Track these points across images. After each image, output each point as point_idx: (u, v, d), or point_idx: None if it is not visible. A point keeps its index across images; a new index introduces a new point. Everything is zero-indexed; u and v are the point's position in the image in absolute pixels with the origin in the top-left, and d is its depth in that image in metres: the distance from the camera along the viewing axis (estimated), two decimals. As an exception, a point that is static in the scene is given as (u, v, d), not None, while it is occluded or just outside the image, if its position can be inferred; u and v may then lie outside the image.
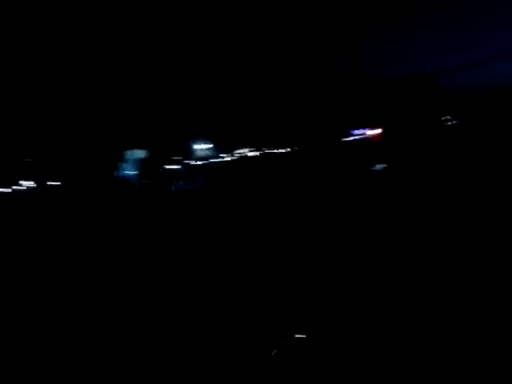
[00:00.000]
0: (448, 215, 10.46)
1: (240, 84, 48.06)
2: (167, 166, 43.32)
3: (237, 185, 25.43)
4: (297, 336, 5.06)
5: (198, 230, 13.83)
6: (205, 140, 46.49)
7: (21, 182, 31.24)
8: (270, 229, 12.09)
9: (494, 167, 16.84)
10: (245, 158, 44.74)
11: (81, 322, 6.77)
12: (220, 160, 44.87)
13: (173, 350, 5.31)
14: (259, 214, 15.04)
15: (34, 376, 5.48)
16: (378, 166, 22.30)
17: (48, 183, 33.18)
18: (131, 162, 36.62)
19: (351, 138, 46.33)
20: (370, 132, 42.95)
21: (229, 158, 46.34)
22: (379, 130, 40.97)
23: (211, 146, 46.37)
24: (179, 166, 42.49)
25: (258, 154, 46.48)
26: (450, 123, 32.89)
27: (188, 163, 45.28)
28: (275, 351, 4.86)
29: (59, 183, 33.23)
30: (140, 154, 37.66)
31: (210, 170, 40.83)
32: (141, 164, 36.86)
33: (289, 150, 45.41)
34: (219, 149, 47.92)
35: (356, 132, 47.09)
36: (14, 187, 30.67)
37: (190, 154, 47.25)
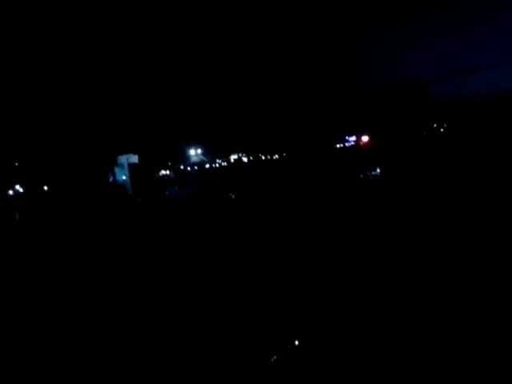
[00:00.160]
0: (440, 214, 10.78)
1: (234, 90, 48.45)
2: (162, 172, 43.47)
3: (231, 190, 25.57)
4: (296, 342, 5.14)
5: (190, 234, 14.00)
6: (199, 146, 46.68)
7: (16, 186, 31.34)
8: (267, 231, 12.26)
9: (483, 170, 17.24)
10: (239, 163, 44.95)
11: (77, 322, 6.92)
12: (214, 165, 45.08)
13: (173, 353, 5.47)
14: (254, 217, 15.24)
15: (34, 376, 5.65)
16: (375, 171, 22.66)
17: (42, 188, 33.29)
18: (125, 168, 36.72)
19: (345, 144, 46.84)
20: (362, 138, 43.46)
21: (223, 164, 46.56)
22: (368, 136, 41.45)
23: (205, 151, 46.58)
24: (173, 172, 42.64)
25: (251, 159, 46.76)
26: (440, 130, 33.47)
27: (182, 169, 45.43)
28: (275, 357, 4.90)
29: (54, 188, 33.32)
30: (134, 159, 37.77)
31: (204, 175, 40.99)
32: (135, 169, 36.96)
33: (283, 155, 45.77)
34: (213, 154, 48.14)
35: (349, 138, 47.61)
36: (10, 192, 30.77)
37: (184, 160, 47.42)
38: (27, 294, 9.54)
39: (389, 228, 10.20)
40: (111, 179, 36.39)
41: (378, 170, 22.44)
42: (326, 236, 10.45)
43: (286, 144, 45.84)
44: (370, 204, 14.17)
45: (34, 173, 32.69)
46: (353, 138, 45.32)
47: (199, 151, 46.29)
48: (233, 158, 46.47)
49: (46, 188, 32.69)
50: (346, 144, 45.79)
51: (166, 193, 37.51)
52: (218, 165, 44.84)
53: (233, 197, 21.22)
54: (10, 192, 30.01)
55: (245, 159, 46.20)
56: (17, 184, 30.33)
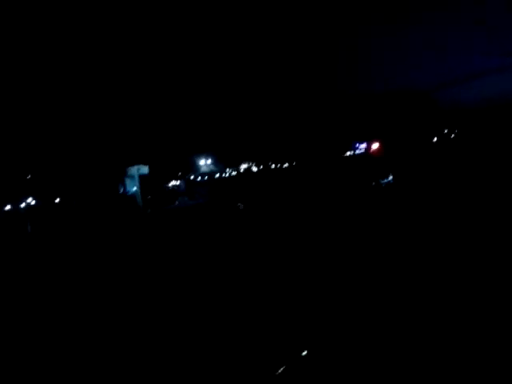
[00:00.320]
0: (448, 221, 10.67)
1: (243, 99, 48.61)
2: (172, 182, 43.76)
3: (240, 200, 25.63)
4: (303, 354, 5.10)
5: (200, 244, 14.04)
6: (209, 155, 46.91)
7: (28, 199, 31.76)
8: (277, 241, 12.22)
9: (489, 176, 17.05)
10: (248, 172, 45.05)
11: (86, 332, 6.97)
12: (224, 175, 45.24)
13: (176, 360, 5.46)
14: (262, 227, 15.22)
15: (34, 376, 5.68)
16: (387, 178, 22.50)
17: (54, 200, 33.70)
18: (136, 179, 37.01)
19: (355, 151, 46.66)
20: (373, 145, 43.24)
21: (233, 173, 46.70)
22: (379, 143, 41.22)
23: (215, 161, 46.77)
24: (183, 182, 42.87)
25: (261, 168, 46.82)
26: (451, 136, 33.21)
27: (192, 179, 45.69)
28: (282, 369, 4.88)
29: (65, 200, 33.71)
30: (144, 170, 38.06)
31: (214, 185, 41.11)
32: (145, 180, 37.24)
33: (293, 163, 45.73)
34: (223, 164, 48.31)
35: (359, 145, 47.41)
36: (22, 204, 31.20)
37: (195, 170, 47.69)
38: (38, 301, 9.65)
39: (402, 237, 10.11)
40: (122, 190, 36.71)
41: (391, 178, 22.24)
42: (337, 245, 10.39)
43: (296, 152, 45.80)
44: (384, 212, 14.09)
45: (46, 185, 33.06)
46: (363, 145, 45.14)
47: (209, 161, 46.52)
48: (243, 167, 46.60)
49: (57, 200, 33.07)
50: (357, 151, 45.64)
51: (176, 203, 37.69)
52: (227, 174, 45.01)
53: (241, 207, 21.21)
54: (23, 204, 30.41)
55: (254, 168, 46.30)
56: (29, 196, 30.72)
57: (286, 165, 46.64)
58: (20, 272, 14.18)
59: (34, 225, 27.71)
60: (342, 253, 9.56)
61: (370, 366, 4.77)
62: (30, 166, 32.28)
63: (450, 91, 33.36)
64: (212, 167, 46.97)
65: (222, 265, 10.44)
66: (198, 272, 10.18)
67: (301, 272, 8.74)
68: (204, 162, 47.56)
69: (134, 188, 37.66)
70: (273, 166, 46.51)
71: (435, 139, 33.57)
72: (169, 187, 41.50)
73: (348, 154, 45.85)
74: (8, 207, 28.86)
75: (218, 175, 44.38)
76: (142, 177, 37.05)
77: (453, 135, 33.47)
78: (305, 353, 5.22)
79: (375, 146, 42.63)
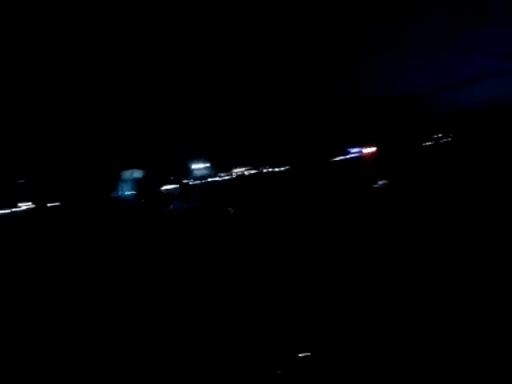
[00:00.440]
0: (443, 231, 10.78)
1: (237, 102, 48.80)
2: (166, 186, 43.74)
3: (231, 204, 25.74)
4: (301, 355, 5.17)
5: (194, 249, 14.11)
6: (203, 160, 46.90)
7: (19, 203, 31.71)
8: (270, 248, 12.31)
9: (486, 183, 17.18)
10: (242, 176, 45.11)
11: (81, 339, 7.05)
12: (218, 179, 45.26)
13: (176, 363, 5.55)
14: (258, 233, 15.30)
15: (34, 376, 5.76)
16: (379, 183, 22.54)
17: (46, 204, 33.63)
18: (129, 183, 37.04)
19: (348, 156, 46.77)
20: (365, 150, 43.34)
21: (227, 177, 46.72)
22: (373, 149, 41.35)
23: (209, 165, 46.77)
24: (177, 186, 42.86)
25: (255, 172, 46.86)
26: (441, 141, 33.37)
27: (186, 182, 45.66)
28: (279, 371, 4.94)
29: (57, 204, 33.66)
30: (138, 174, 38.09)
31: (207, 189, 41.16)
32: (139, 184, 37.26)
33: (287, 167, 45.80)
34: (217, 168, 48.34)
35: (352, 150, 47.55)
36: (13, 209, 31.14)
37: (189, 174, 47.67)
38: (32, 301, 9.72)
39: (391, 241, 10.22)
40: (115, 194, 36.69)
41: (380, 182, 22.34)
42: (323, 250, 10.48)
43: (289, 157, 45.90)
44: (375, 217, 14.19)
45: (39, 189, 33.03)
46: (355, 150, 45.24)
47: (203, 165, 46.52)
48: (236, 171, 46.64)
49: (49, 204, 33.05)
50: (349, 156, 45.73)
51: (171, 206, 37.70)
52: (221, 178, 45.04)
53: (231, 211, 21.29)
54: (15, 209, 30.37)
55: (247, 173, 46.35)
56: (22, 200, 30.69)
57: (281, 169, 46.74)
58: (12, 274, 14.24)
59: (27, 228, 27.73)
60: (331, 255, 9.68)
61: (371, 366, 4.86)
62: (21, 170, 32.26)
63: (448, 94, 33.58)
64: (206, 171, 46.99)
65: (212, 267, 10.55)
66: (191, 274, 10.29)
67: (297, 278, 8.85)
68: (198, 166, 47.57)
69: (128, 192, 37.65)
70: (268, 170, 46.58)
71: (431, 143, 33.74)
72: (163, 191, 41.47)
73: (341, 158, 45.99)
74: (1, 212, 28.82)
75: (212, 179, 44.40)
76: (135, 180, 37.06)
77: (449, 139, 33.65)
78: (304, 354, 5.29)
79: (368, 150, 42.75)
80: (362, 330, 5.82)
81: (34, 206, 30.83)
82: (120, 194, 36.70)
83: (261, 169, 44.71)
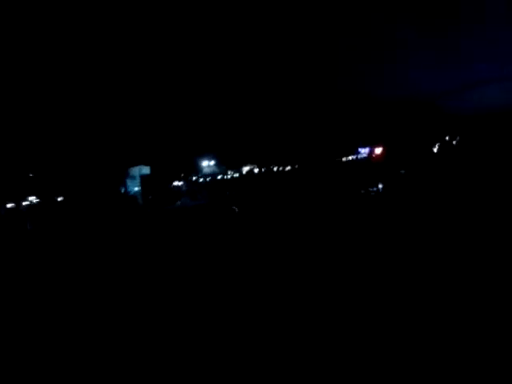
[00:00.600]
0: (445, 232, 10.70)
1: (247, 101, 48.77)
2: (174, 183, 44.02)
3: (237, 202, 25.72)
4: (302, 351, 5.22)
5: (199, 244, 14.16)
6: (211, 157, 47.13)
7: (30, 197, 32.12)
8: (273, 244, 12.31)
9: (493, 184, 16.98)
10: (250, 174, 45.19)
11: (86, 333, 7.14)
12: (226, 177, 45.44)
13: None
14: (251, 231, 15.33)
15: (34, 376, 5.82)
16: (377, 186, 22.32)
17: (55, 198, 34.03)
18: (137, 179, 37.31)
19: (357, 156, 46.64)
20: (375, 150, 43.23)
21: (235, 175, 46.89)
22: (381, 149, 41.20)
23: (217, 162, 46.97)
24: (185, 183, 43.12)
25: (263, 170, 46.97)
26: (450, 143, 33.12)
27: (194, 180, 45.92)
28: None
29: (66, 198, 34.03)
30: (146, 170, 38.36)
31: (215, 186, 41.26)
32: (146, 180, 37.50)
33: (295, 167, 45.81)
34: (225, 165, 48.52)
35: (362, 150, 47.40)
36: (24, 203, 31.55)
37: (197, 171, 47.93)
38: (34, 297, 9.81)
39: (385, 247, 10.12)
40: (123, 190, 37.00)
41: (381, 186, 22.07)
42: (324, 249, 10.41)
43: (298, 155, 45.89)
44: (375, 217, 14.09)
45: (48, 184, 33.40)
46: (365, 150, 45.12)
47: (212, 162, 46.75)
48: (245, 169, 46.77)
49: (59, 199, 33.40)
50: (359, 156, 45.62)
51: (178, 203, 37.88)
52: (229, 176, 45.19)
53: (236, 210, 21.30)
54: (24, 203, 30.75)
55: (256, 170, 46.44)
56: (31, 195, 31.07)
57: (289, 168, 46.74)
58: (17, 270, 14.39)
59: (34, 223, 27.99)
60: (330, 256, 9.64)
61: (372, 366, 4.85)
62: (32, 165, 32.66)
63: (455, 98, 33.33)
64: (214, 169, 47.18)
65: (215, 266, 10.58)
66: (195, 272, 10.34)
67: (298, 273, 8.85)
68: (206, 164, 47.80)
69: (136, 188, 37.95)
70: (275, 169, 46.61)
71: (438, 145, 33.51)
72: (171, 188, 41.73)
73: (350, 158, 45.91)
74: (10, 205, 29.20)
75: (219, 177, 44.58)
76: (143, 177, 37.33)
77: (455, 142, 33.40)
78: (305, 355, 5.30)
79: (378, 151, 42.63)
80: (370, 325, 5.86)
81: (42, 200, 31.18)
82: (128, 190, 37.00)
83: (269, 167, 44.71)
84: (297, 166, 46.97)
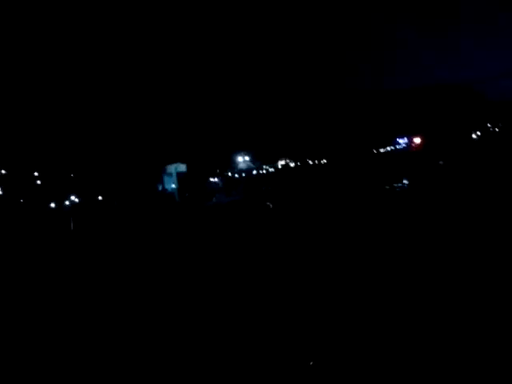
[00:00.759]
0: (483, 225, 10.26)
1: (282, 96, 48.56)
2: (210, 179, 44.34)
3: (271, 198, 25.60)
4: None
5: (236, 240, 14.22)
6: (246, 152, 47.12)
7: (72, 197, 33.19)
8: (308, 241, 12.19)
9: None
10: (286, 169, 44.89)
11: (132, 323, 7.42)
12: (261, 171, 45.32)
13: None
14: (282, 229, 15.19)
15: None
16: (403, 182, 21.47)
17: (97, 198, 35.05)
18: (174, 176, 37.87)
19: (395, 147, 45.48)
20: (414, 140, 42.03)
21: (270, 170, 46.68)
22: (420, 139, 39.97)
23: (253, 158, 46.91)
24: (221, 179, 43.35)
25: (299, 164, 46.52)
26: (491, 130, 31.50)
27: (230, 175, 46.05)
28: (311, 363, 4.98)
29: (107, 198, 34.99)
30: (182, 168, 38.85)
31: (250, 182, 41.31)
32: (183, 178, 38.00)
33: (331, 160, 45.10)
34: (261, 160, 48.37)
35: (400, 140, 46.13)
36: (66, 202, 32.64)
37: (232, 167, 48.05)
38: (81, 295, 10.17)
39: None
40: (160, 188, 37.65)
41: (406, 182, 21.25)
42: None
43: (335, 148, 45.20)
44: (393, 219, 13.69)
45: (89, 184, 34.39)
46: (404, 141, 43.85)
47: (247, 158, 46.70)
48: (280, 163, 46.46)
49: (100, 198, 34.37)
50: (397, 146, 44.39)
51: (214, 199, 38.19)
52: (265, 171, 45.02)
53: (270, 206, 21.21)
54: (67, 202, 31.79)
55: (292, 164, 46.04)
56: (72, 195, 32.07)
57: (324, 161, 46.12)
58: (64, 267, 14.89)
59: (77, 222, 28.90)
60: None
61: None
62: (73, 166, 33.75)
63: (499, 84, 31.81)
64: (250, 164, 47.12)
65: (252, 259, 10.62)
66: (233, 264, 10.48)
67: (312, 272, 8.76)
68: (242, 159, 47.81)
69: (173, 185, 38.53)
70: (310, 162, 46.14)
71: (478, 134, 32.06)
72: (207, 184, 42.10)
73: (389, 149, 44.70)
74: (52, 205, 30.27)
75: (255, 172, 44.54)
76: (179, 174, 37.84)
77: (497, 129, 31.86)
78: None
79: (417, 140, 41.30)
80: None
81: (83, 200, 32.08)
82: (165, 187, 37.65)
83: (305, 161, 44.34)
84: (332, 160, 46.16)
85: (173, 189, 37.08)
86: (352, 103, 47.61)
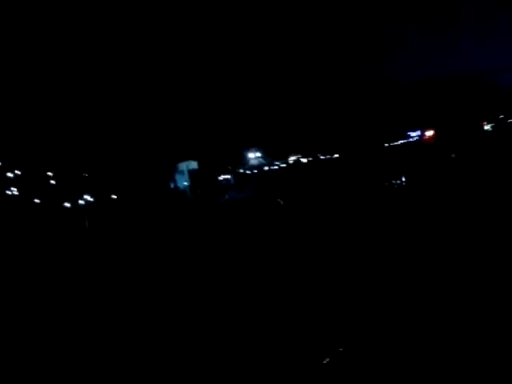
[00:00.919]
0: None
1: (291, 90, 48.31)
2: (221, 176, 44.49)
3: (282, 194, 25.61)
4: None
5: (249, 237, 14.28)
6: (258, 148, 47.08)
7: (85, 196, 33.62)
8: (319, 238, 12.19)
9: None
10: (297, 164, 44.76)
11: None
12: (272, 167, 45.28)
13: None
14: (290, 227, 15.20)
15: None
16: (400, 180, 21.09)
17: (110, 196, 35.44)
18: (186, 174, 38.10)
19: (408, 140, 45.02)
20: (426, 133, 41.61)
21: (282, 165, 46.59)
22: (432, 132, 39.56)
23: (264, 154, 46.87)
24: (232, 176, 43.44)
25: (310, 159, 46.32)
26: (504, 122, 30.98)
27: (241, 172, 46.09)
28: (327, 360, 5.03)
29: (120, 196, 35.36)
30: (194, 165, 39.09)
31: (262, 178, 41.32)
32: (195, 175, 38.23)
33: (342, 154, 44.82)
34: (272, 156, 48.29)
35: (412, 133, 45.66)
36: (80, 201, 33.08)
37: (244, 163, 48.09)
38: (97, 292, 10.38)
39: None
40: (172, 186, 37.92)
41: (403, 179, 20.87)
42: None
43: (346, 143, 44.92)
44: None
45: (102, 183, 34.74)
46: (416, 134, 43.42)
47: (258, 154, 46.69)
48: (291, 159, 46.36)
49: (113, 197, 34.75)
50: (410, 140, 43.96)
51: (226, 196, 38.34)
52: (276, 167, 44.98)
53: (281, 202, 21.23)
54: (81, 202, 32.21)
55: (304, 160, 45.91)
56: (86, 194, 32.48)
57: (336, 156, 45.85)
58: (81, 266, 15.13)
59: (92, 220, 29.26)
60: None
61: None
62: (87, 165, 34.14)
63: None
64: (261, 160, 47.14)
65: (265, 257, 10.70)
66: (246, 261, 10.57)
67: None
68: (253, 155, 47.82)
69: (185, 183, 38.79)
70: (322, 157, 45.91)
71: (491, 125, 31.53)
72: (219, 181, 42.24)
73: (400, 142, 44.31)
74: (67, 204, 30.69)
75: (266, 168, 44.52)
76: (191, 172, 38.10)
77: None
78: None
79: (429, 133, 40.89)
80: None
81: (97, 198, 32.43)
82: (178, 185, 37.89)
83: (316, 156, 44.11)
84: (344, 155, 45.81)
85: (185, 186, 37.34)
86: (363, 97, 47.18)
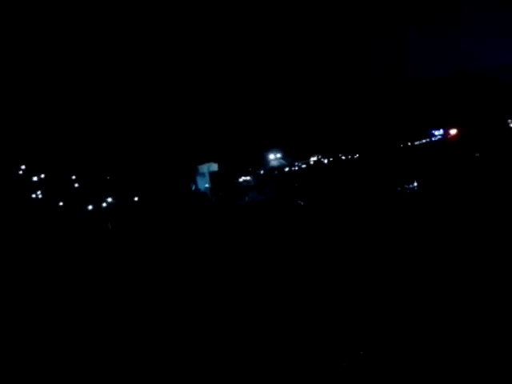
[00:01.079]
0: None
1: (312, 90, 48.09)
2: (242, 178, 44.45)
3: (303, 195, 25.43)
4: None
5: (271, 239, 14.25)
6: (278, 149, 46.91)
7: (108, 199, 34.11)
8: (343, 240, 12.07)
9: None
10: (318, 165, 44.41)
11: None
12: (293, 168, 45.03)
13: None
14: (309, 230, 15.05)
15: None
16: (412, 184, 20.57)
17: (133, 199, 35.89)
18: (206, 176, 38.29)
19: (431, 139, 44.19)
20: (450, 131, 40.83)
21: (302, 166, 46.28)
22: (456, 130, 38.76)
23: (284, 155, 46.67)
24: (253, 177, 43.37)
25: (331, 160, 45.91)
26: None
27: (262, 173, 45.98)
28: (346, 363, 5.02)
29: (142, 199, 35.78)
30: (214, 167, 39.25)
31: (283, 179, 41.14)
32: (215, 177, 38.38)
33: (364, 154, 44.27)
34: (292, 157, 48.05)
35: (436, 132, 44.80)
36: (103, 204, 33.57)
37: (264, 165, 47.99)
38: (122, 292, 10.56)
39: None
40: (194, 188, 38.14)
41: (416, 184, 20.36)
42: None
43: (368, 142, 44.37)
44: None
45: (124, 185, 35.17)
46: (439, 132, 42.58)
47: (278, 155, 46.49)
48: (312, 159, 46.00)
49: (135, 199, 35.17)
50: (433, 139, 43.14)
51: (246, 198, 38.30)
52: (297, 168, 44.73)
53: (302, 204, 21.10)
54: (104, 204, 32.68)
55: (325, 160, 45.53)
56: (109, 196, 32.93)
57: (357, 156, 45.32)
58: (106, 267, 15.38)
59: (114, 223, 29.67)
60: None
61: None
62: (109, 168, 34.66)
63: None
64: (281, 161, 46.93)
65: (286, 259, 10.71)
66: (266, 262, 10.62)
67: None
68: (273, 157, 47.63)
69: (206, 185, 38.97)
70: (343, 157, 45.50)
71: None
72: (239, 183, 42.25)
73: (424, 141, 43.46)
74: (90, 207, 31.17)
75: (287, 169, 44.34)
76: (212, 174, 38.25)
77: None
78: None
79: (453, 132, 40.03)
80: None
81: (119, 201, 32.83)
82: (199, 187, 38.10)
83: (337, 156, 43.72)
84: (365, 155, 45.14)
85: (206, 188, 37.51)
86: (386, 94, 46.59)
